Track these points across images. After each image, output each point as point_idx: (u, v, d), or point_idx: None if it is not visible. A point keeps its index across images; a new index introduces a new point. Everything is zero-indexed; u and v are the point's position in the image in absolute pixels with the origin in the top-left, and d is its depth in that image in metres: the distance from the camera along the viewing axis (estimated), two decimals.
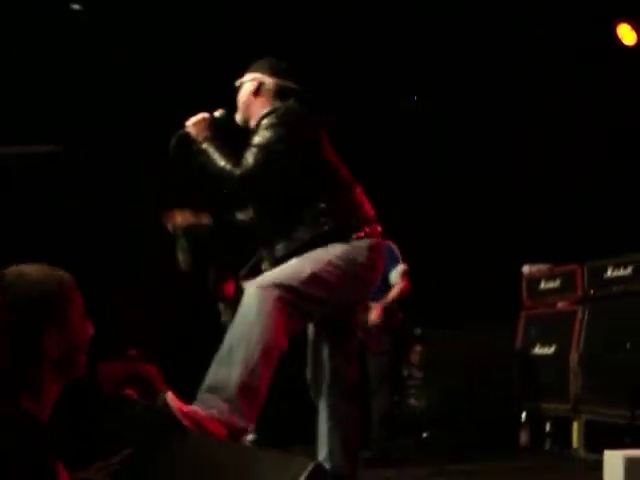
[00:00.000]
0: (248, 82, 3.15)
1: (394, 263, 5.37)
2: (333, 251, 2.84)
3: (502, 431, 5.87)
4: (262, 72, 3.14)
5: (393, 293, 5.33)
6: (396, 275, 5.37)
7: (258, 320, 2.61)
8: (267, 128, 2.89)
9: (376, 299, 5.28)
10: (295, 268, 2.79)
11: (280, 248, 2.92)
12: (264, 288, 2.68)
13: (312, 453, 3.03)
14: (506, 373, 6.15)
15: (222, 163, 2.84)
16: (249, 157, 2.83)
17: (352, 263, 2.84)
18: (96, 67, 5.76)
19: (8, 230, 5.06)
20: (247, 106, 3.12)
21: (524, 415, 5.96)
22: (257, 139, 2.87)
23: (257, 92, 3.11)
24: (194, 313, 6.03)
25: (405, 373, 7.44)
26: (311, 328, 3.10)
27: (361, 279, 2.91)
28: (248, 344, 2.60)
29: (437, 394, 6.62)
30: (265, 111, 2.98)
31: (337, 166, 3.04)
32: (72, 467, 2.45)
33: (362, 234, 2.90)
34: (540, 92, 6.68)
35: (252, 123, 3.07)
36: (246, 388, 2.56)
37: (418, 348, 7.33)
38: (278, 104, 3.02)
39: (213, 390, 2.60)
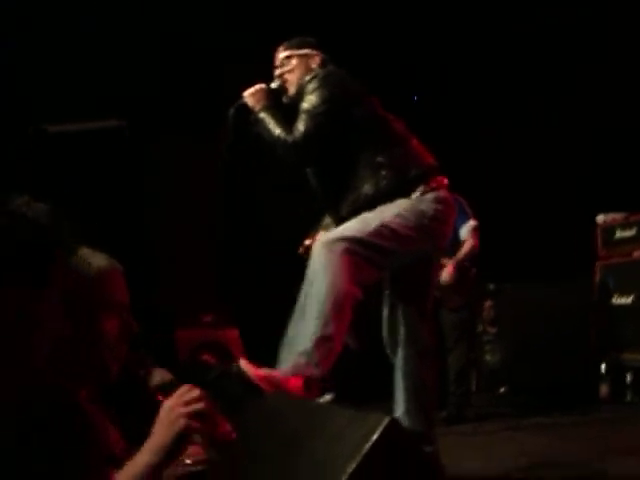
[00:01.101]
0: (302, 56, 3.17)
1: (464, 219, 5.32)
2: (400, 204, 2.85)
3: (581, 384, 5.80)
4: (312, 48, 3.19)
5: (464, 250, 5.27)
6: (466, 231, 5.31)
7: (327, 273, 2.66)
8: (311, 92, 2.95)
9: (447, 255, 5.25)
10: (362, 221, 2.82)
11: (344, 207, 2.94)
12: (331, 242, 2.72)
13: (391, 411, 3.06)
14: (583, 325, 6.05)
15: (277, 131, 2.93)
16: (299, 124, 2.90)
17: (420, 215, 2.85)
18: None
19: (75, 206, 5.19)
20: (304, 78, 3.11)
21: (603, 367, 5.86)
22: (304, 105, 2.94)
23: (316, 66, 3.14)
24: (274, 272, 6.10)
25: (480, 329, 7.42)
26: (386, 286, 3.11)
27: (430, 231, 2.91)
28: (319, 297, 2.65)
29: (512, 349, 6.56)
30: (307, 77, 3.03)
31: (388, 119, 3.05)
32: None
33: (428, 187, 2.89)
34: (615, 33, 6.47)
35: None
36: (321, 339, 2.64)
37: (490, 303, 7.29)
38: (315, 71, 3.08)
39: (290, 344, 2.69)
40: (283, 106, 3.12)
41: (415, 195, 2.87)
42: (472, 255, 5.33)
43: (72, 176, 5.40)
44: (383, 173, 2.88)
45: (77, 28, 5.55)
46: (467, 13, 6.64)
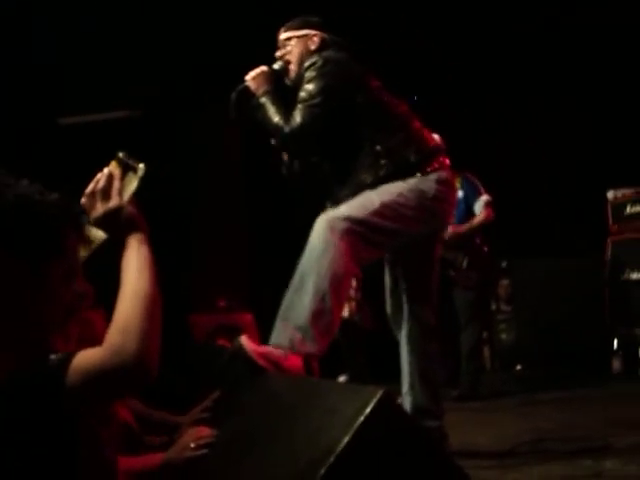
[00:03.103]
0: (301, 37, 3.14)
1: (476, 195, 5.35)
2: (401, 185, 2.87)
3: (595, 359, 5.83)
4: (312, 28, 3.16)
5: (476, 220, 5.31)
6: (480, 206, 5.34)
7: (326, 250, 2.68)
8: (309, 82, 2.93)
9: None
10: (364, 201, 2.84)
11: (343, 193, 2.96)
12: (332, 219, 2.75)
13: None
14: (596, 301, 6.07)
15: (275, 120, 2.92)
16: (296, 114, 2.89)
17: (421, 195, 2.87)
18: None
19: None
20: (303, 61, 3.10)
21: (616, 342, 5.89)
22: (301, 94, 2.93)
23: (315, 47, 3.12)
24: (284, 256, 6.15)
25: (494, 307, 7.46)
26: (388, 266, 3.15)
27: (432, 211, 2.93)
28: (318, 273, 2.66)
29: (527, 327, 6.60)
30: (305, 64, 3.01)
31: (390, 103, 3.04)
32: (170, 412, 2.61)
33: (429, 169, 2.92)
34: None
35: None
36: (318, 314, 2.64)
37: (505, 282, 7.32)
38: (312, 58, 3.02)
39: (287, 318, 2.68)
40: (285, 88, 3.13)
41: (416, 176, 2.89)
42: (486, 223, 5.34)
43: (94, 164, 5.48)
44: (382, 162, 2.90)
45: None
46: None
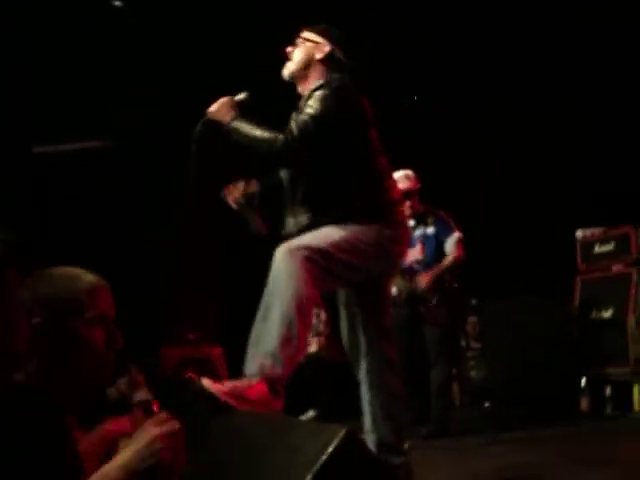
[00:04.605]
0: (314, 44, 3.15)
1: (448, 232, 5.41)
2: (361, 224, 2.93)
3: (563, 398, 5.86)
4: (329, 39, 3.16)
5: (446, 262, 5.36)
6: (451, 244, 5.39)
7: (288, 278, 2.71)
8: (321, 100, 2.92)
9: (431, 270, 5.34)
10: (325, 233, 2.89)
11: (305, 219, 3.00)
12: (293, 249, 2.78)
13: None
14: (564, 340, 6.11)
15: (258, 132, 2.90)
16: (300, 123, 2.87)
17: (379, 235, 2.94)
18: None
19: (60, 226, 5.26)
20: (306, 66, 3.13)
21: (584, 380, 5.93)
22: (308, 109, 2.91)
23: (320, 58, 3.13)
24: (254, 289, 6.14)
25: (464, 344, 7.49)
26: (343, 307, 3.18)
27: (388, 250, 3.00)
28: (282, 301, 2.70)
29: (495, 364, 6.62)
30: (320, 82, 3.02)
31: (377, 152, 3.09)
32: None
33: (390, 216, 3.02)
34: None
35: (302, 87, 3.13)
36: (286, 340, 2.68)
37: (474, 319, 7.36)
38: (334, 76, 3.05)
39: (256, 346, 2.73)
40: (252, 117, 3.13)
41: (379, 221, 2.97)
42: (456, 264, 5.39)
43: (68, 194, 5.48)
44: (355, 205, 2.96)
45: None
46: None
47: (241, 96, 3.12)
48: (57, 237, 5.35)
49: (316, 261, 2.78)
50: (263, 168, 3.20)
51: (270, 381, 2.66)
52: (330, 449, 1.61)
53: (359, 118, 3.03)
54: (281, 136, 2.86)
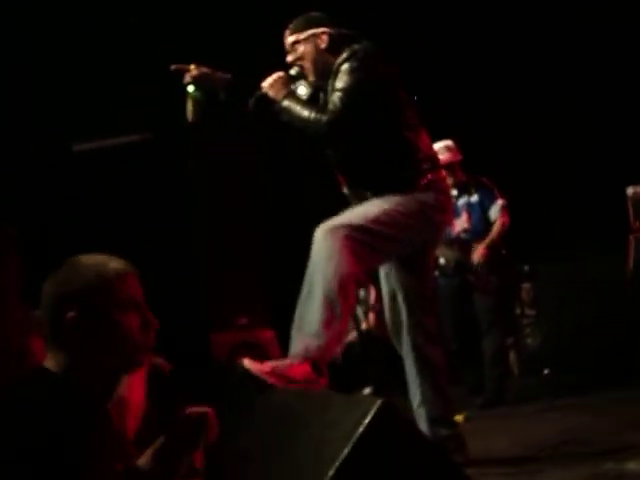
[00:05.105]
0: (309, 39, 3.12)
1: (492, 200, 5.34)
2: (402, 195, 2.93)
3: (621, 361, 5.73)
4: (317, 26, 3.13)
5: (495, 231, 5.29)
6: (496, 211, 5.32)
7: (330, 257, 2.72)
8: (349, 72, 2.93)
9: (479, 239, 5.28)
10: (365, 209, 2.91)
11: (354, 192, 3.01)
12: (334, 228, 2.79)
13: None
14: (620, 301, 5.98)
15: (306, 113, 2.90)
16: (336, 101, 2.88)
17: (421, 204, 2.93)
18: None
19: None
20: (317, 61, 3.11)
21: None
22: (340, 84, 2.92)
23: (325, 45, 3.10)
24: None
25: (518, 311, 7.38)
26: (384, 279, 3.16)
27: (431, 220, 2.98)
28: (325, 280, 2.72)
29: (551, 331, 6.53)
30: (344, 55, 2.99)
31: (409, 109, 3.09)
32: None
33: (428, 181, 2.99)
34: None
35: (320, 74, 3.10)
36: (329, 320, 2.70)
37: (527, 286, 7.25)
38: (352, 48, 3.01)
39: (300, 328, 2.75)
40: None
41: (417, 188, 2.95)
42: (503, 232, 5.33)
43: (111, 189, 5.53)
44: (392, 172, 2.97)
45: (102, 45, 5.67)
46: None
47: (294, 71, 3.10)
48: (102, 228, 5.41)
49: (356, 238, 2.78)
50: (314, 147, 3.20)
51: (314, 361, 2.67)
52: (366, 421, 1.61)
53: (389, 79, 3.04)
54: (324, 117, 2.88)
